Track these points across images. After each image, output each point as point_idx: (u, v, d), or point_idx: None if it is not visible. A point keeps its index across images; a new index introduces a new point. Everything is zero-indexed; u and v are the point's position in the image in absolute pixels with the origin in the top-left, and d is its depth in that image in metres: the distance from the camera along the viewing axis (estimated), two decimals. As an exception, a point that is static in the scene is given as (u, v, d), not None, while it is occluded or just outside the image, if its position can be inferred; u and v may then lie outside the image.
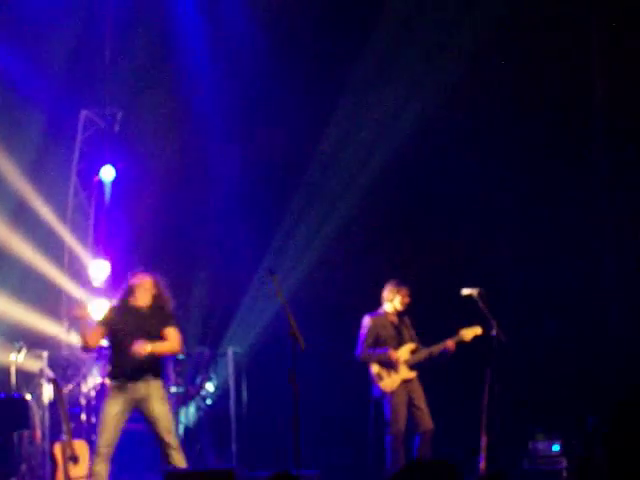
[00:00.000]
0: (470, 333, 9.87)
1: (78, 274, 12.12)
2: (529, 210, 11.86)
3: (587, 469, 9.38)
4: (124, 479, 10.37)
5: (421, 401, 9.82)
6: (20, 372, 10.37)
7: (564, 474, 10.03)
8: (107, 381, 8.73)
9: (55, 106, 11.94)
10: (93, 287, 12.03)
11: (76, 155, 12.41)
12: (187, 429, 11.24)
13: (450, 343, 9.84)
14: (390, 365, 9.82)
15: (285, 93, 12.01)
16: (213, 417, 11.53)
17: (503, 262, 11.71)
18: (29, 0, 11.74)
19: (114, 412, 8.41)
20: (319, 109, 12.12)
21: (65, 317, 11.71)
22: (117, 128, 12.35)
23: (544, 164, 11.74)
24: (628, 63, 11.50)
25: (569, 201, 11.73)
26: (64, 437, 8.98)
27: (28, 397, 10.21)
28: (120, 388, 8.46)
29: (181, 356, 11.23)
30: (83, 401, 10.64)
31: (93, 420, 10.36)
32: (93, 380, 10.70)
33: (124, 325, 8.53)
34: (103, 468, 8.38)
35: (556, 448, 10.18)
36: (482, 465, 9.49)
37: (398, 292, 9.97)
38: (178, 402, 11.15)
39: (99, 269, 12.08)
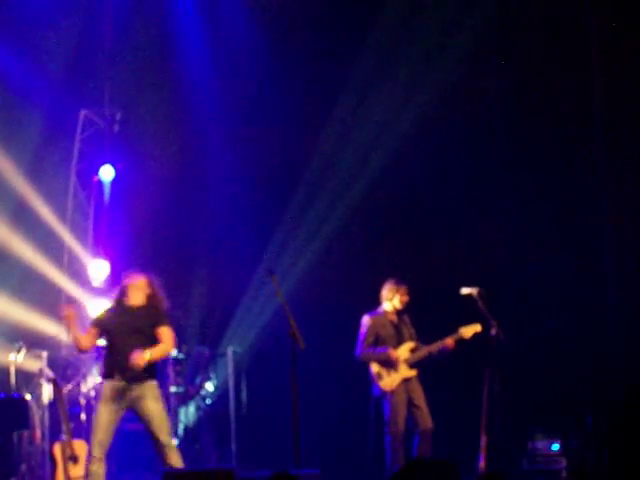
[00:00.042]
0: (470, 330, 9.87)
1: (78, 274, 12.11)
2: (529, 210, 11.85)
3: (586, 469, 9.39)
4: (124, 479, 10.39)
5: (421, 400, 9.82)
6: (20, 372, 10.37)
7: (563, 474, 10.03)
8: (101, 381, 8.76)
9: (54, 106, 11.93)
10: (93, 287, 12.03)
11: (75, 155, 12.40)
12: (187, 429, 11.24)
13: (449, 341, 9.84)
14: (390, 364, 9.81)
15: (285, 93, 12.01)
16: (213, 417, 11.53)
17: (503, 262, 11.70)
18: (29, 0, 11.74)
19: (108, 412, 8.44)
20: (319, 109, 12.13)
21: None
22: (116, 128, 12.34)
23: (544, 164, 11.74)
24: (628, 63, 11.49)
25: (569, 201, 11.72)
26: (64, 437, 8.97)
27: (28, 397, 10.20)
28: (114, 388, 8.48)
29: (181, 356, 11.24)
30: (83, 401, 10.64)
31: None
32: (93, 380, 10.70)
33: (117, 325, 8.57)
34: (100, 467, 8.41)
35: (555, 448, 10.18)
36: (481, 465, 9.50)
37: (397, 291, 9.97)
38: (178, 402, 11.16)
39: (99, 269, 12.07)
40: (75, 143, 12.40)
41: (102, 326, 8.66)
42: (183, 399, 11.27)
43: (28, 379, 10.64)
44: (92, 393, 10.58)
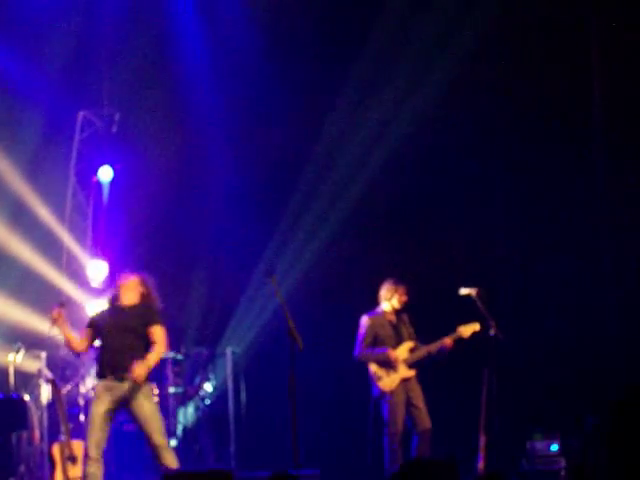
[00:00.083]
0: (468, 330, 9.86)
1: (76, 274, 12.10)
2: (529, 210, 11.85)
3: (585, 469, 9.36)
4: (123, 479, 10.38)
5: (419, 400, 9.81)
6: (18, 373, 10.38)
7: (562, 474, 10.01)
8: (94, 381, 8.76)
9: (53, 106, 11.93)
10: (91, 287, 12.02)
11: (74, 156, 12.39)
12: (185, 429, 11.23)
13: (448, 340, 9.83)
14: (389, 364, 9.80)
15: (284, 93, 11.99)
16: (212, 417, 11.51)
17: (502, 262, 11.69)
18: (28, 0, 11.74)
19: (101, 412, 8.44)
20: (318, 109, 12.11)
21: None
22: (115, 128, 12.34)
23: (544, 164, 11.73)
24: (628, 63, 11.48)
25: (568, 201, 11.71)
26: (62, 437, 8.97)
27: (26, 398, 10.20)
28: (107, 388, 8.49)
29: (179, 356, 11.23)
30: (81, 401, 10.65)
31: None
32: (91, 381, 10.68)
33: (110, 325, 8.59)
34: (98, 469, 8.40)
35: (554, 448, 10.16)
36: (480, 465, 9.49)
37: (396, 291, 9.96)
38: (176, 402, 11.15)
39: (97, 269, 12.07)
40: (74, 144, 12.39)
41: (96, 326, 8.68)
42: (182, 400, 11.25)
43: (27, 380, 10.65)
44: (91, 394, 10.56)
